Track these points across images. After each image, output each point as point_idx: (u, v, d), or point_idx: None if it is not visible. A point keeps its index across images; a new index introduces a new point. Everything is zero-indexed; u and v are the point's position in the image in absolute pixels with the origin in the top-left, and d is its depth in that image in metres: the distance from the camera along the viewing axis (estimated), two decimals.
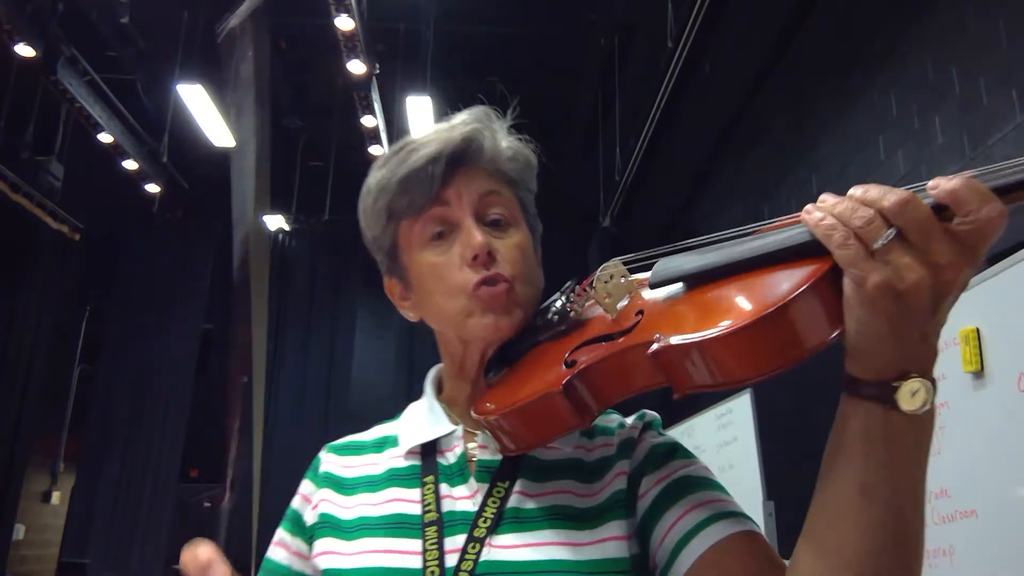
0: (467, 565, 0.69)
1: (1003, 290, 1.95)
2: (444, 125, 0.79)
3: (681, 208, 6.01)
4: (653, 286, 0.67)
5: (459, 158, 0.77)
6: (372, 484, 0.80)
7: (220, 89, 6.23)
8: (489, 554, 0.69)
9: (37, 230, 6.48)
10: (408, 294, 0.82)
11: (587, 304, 0.73)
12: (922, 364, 0.52)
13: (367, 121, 6.21)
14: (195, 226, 7.93)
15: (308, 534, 0.80)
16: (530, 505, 0.73)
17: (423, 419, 0.82)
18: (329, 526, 0.78)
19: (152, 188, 6.84)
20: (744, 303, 0.56)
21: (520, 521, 0.72)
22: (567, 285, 0.76)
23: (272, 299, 7.99)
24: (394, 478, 0.79)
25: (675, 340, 0.57)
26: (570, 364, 0.67)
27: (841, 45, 3.52)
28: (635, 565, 0.70)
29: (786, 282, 0.54)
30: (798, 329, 0.53)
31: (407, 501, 0.76)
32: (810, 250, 0.54)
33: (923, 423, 0.54)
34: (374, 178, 0.80)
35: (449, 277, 0.75)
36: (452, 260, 0.75)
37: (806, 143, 3.78)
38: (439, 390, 0.86)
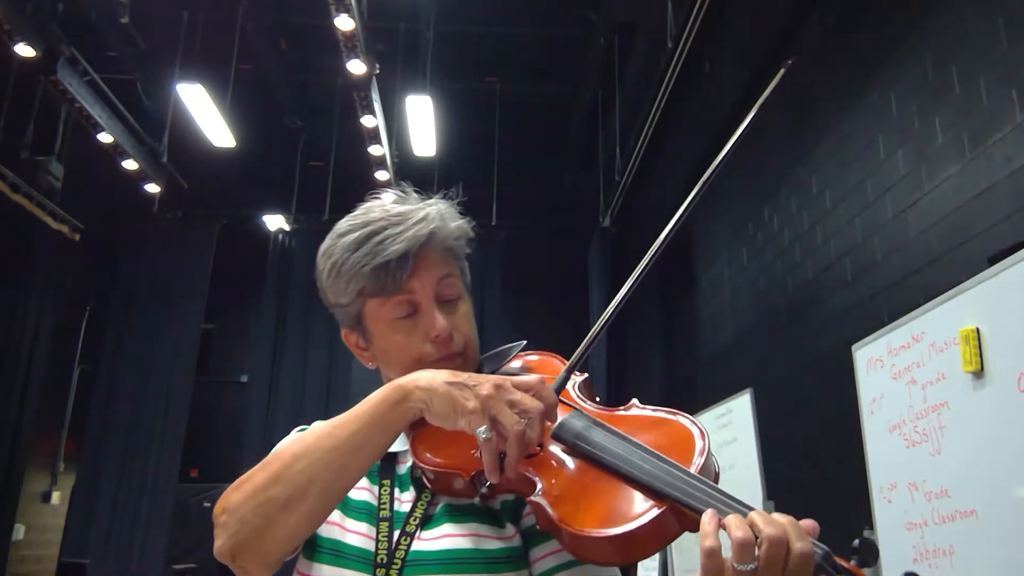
0: (400, 553, 0.88)
1: (1003, 290, 1.95)
2: (406, 210, 0.94)
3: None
4: (555, 437, 0.82)
5: (421, 248, 0.93)
6: None
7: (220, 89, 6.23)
8: (417, 545, 0.88)
9: (37, 230, 6.47)
10: (366, 346, 0.99)
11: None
12: None
13: (367, 121, 6.21)
14: (195, 226, 7.92)
15: None
16: (444, 507, 0.91)
17: None
18: None
19: (152, 188, 6.83)
20: (615, 516, 0.71)
21: (441, 519, 0.90)
22: (518, 347, 0.99)
23: (272, 299, 7.99)
24: (369, 474, 0.95)
25: (549, 509, 0.75)
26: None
27: (841, 45, 3.52)
28: (521, 555, 0.87)
29: (659, 528, 0.70)
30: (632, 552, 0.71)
31: (373, 495, 0.94)
32: (687, 507, 0.69)
33: None
34: (344, 260, 0.93)
35: (415, 350, 0.94)
36: (416, 338, 0.94)
37: (806, 143, 3.78)
38: None
